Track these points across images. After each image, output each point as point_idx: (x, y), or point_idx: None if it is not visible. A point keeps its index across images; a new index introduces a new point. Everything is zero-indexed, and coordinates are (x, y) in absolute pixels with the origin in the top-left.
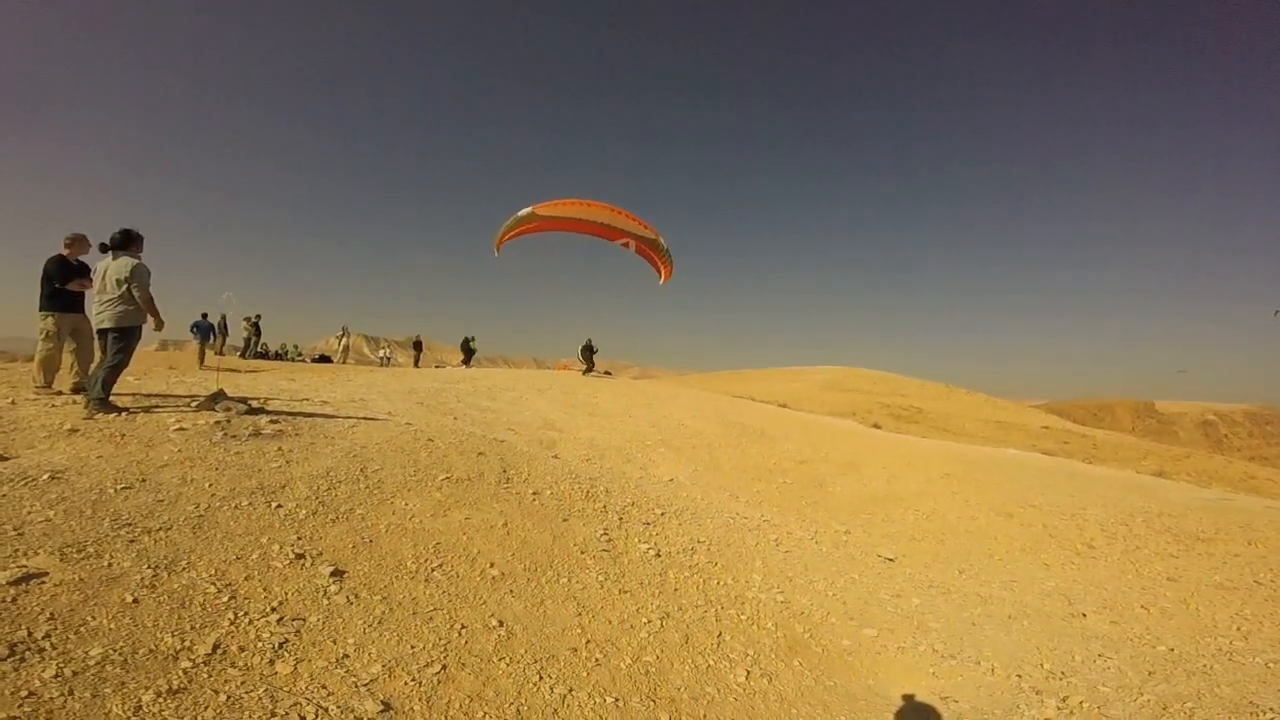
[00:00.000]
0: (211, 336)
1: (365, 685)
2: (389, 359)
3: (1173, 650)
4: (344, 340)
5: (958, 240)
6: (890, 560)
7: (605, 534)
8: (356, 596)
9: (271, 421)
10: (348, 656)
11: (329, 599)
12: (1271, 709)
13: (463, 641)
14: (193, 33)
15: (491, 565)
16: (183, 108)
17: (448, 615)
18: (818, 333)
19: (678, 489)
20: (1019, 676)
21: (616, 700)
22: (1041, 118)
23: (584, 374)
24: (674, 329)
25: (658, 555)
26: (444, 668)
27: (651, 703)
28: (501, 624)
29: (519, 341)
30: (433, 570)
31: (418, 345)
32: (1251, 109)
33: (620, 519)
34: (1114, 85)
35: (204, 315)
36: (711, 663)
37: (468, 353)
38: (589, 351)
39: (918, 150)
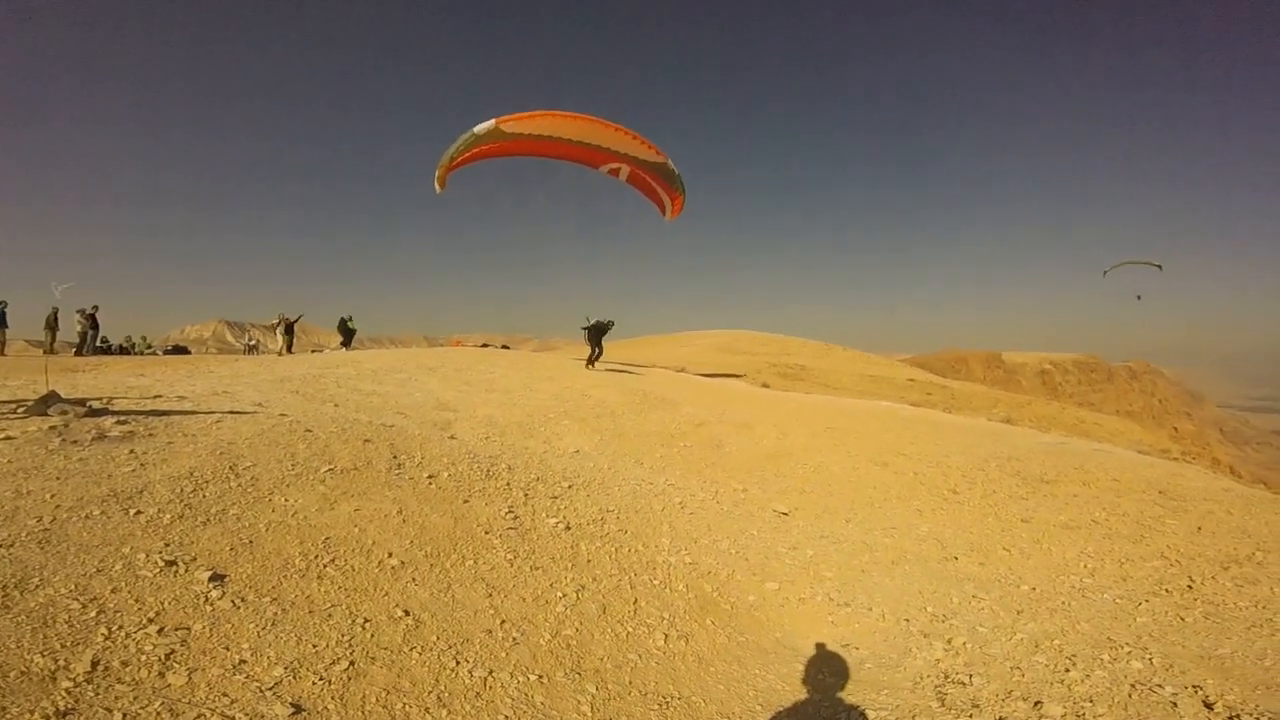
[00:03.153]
0: (4, 324)
1: (270, 689)
2: (255, 346)
3: (1034, 589)
4: (280, 328)
5: (825, 204)
6: (785, 514)
7: (510, 512)
8: (243, 600)
9: (119, 422)
10: (245, 662)
11: (212, 605)
12: (1127, 644)
13: (368, 635)
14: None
15: (390, 555)
16: None
17: (348, 610)
18: (703, 295)
19: (584, 460)
20: (907, 621)
21: (540, 677)
22: (908, 74)
23: (588, 364)
24: (577, 298)
25: (568, 528)
26: (352, 664)
27: (576, 675)
28: (408, 613)
29: (406, 319)
30: (325, 566)
31: (289, 329)
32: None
33: (526, 495)
34: (971, 43)
35: (1, 303)
36: (630, 630)
37: (346, 334)
38: (598, 333)
39: (787, 114)
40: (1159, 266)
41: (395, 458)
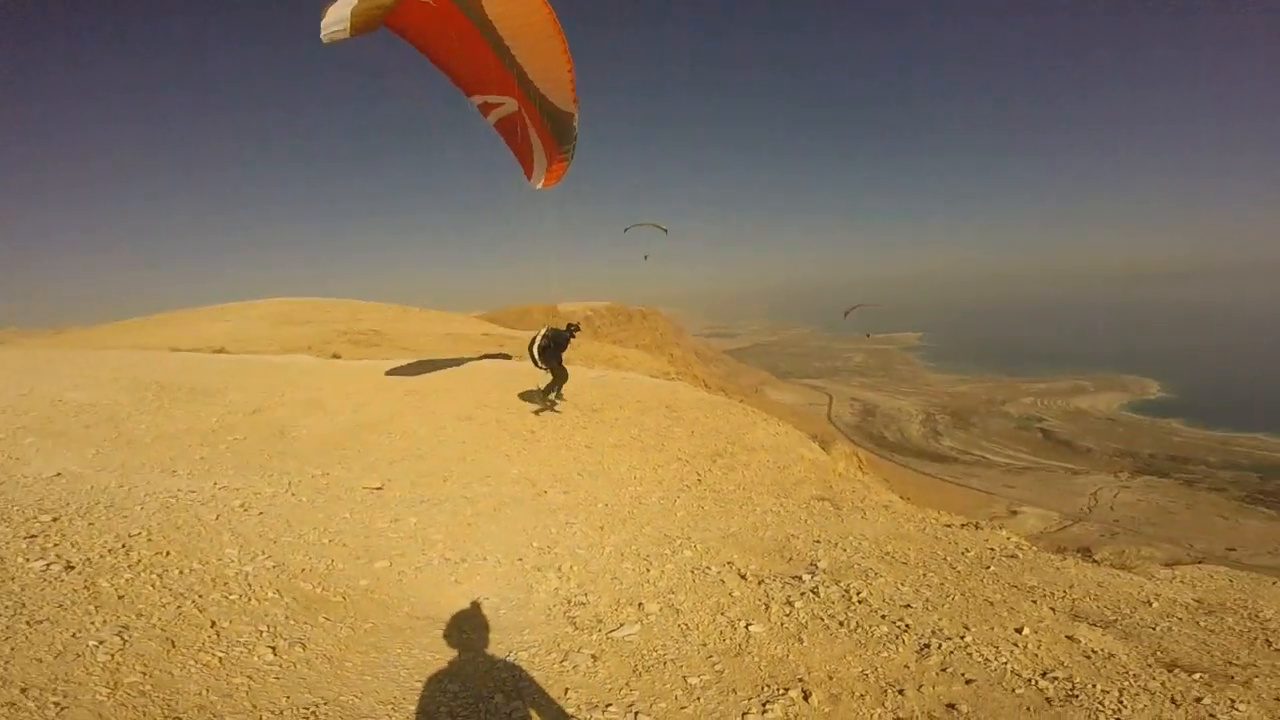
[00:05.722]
0: None
1: None
2: None
3: (607, 505)
4: None
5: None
6: (378, 489)
7: None
8: None
9: None
10: None
11: None
12: (677, 538)
13: None
14: None
15: None
16: None
17: None
18: (257, 269)
19: (72, 483)
20: (520, 560)
21: None
22: None
23: (552, 398)
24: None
25: (69, 568)
26: None
27: None
28: None
29: None
30: None
31: None
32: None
33: None
34: None
35: None
36: (222, 655)
37: None
38: (557, 347)
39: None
40: (665, 230)
41: None
